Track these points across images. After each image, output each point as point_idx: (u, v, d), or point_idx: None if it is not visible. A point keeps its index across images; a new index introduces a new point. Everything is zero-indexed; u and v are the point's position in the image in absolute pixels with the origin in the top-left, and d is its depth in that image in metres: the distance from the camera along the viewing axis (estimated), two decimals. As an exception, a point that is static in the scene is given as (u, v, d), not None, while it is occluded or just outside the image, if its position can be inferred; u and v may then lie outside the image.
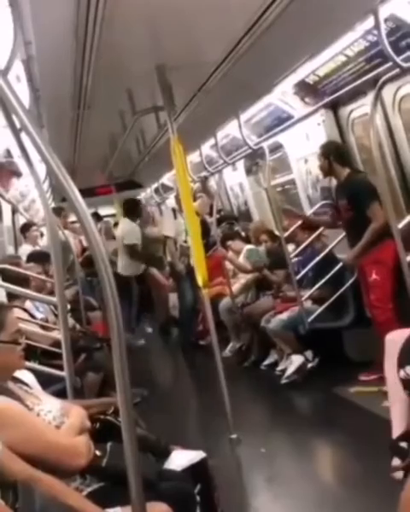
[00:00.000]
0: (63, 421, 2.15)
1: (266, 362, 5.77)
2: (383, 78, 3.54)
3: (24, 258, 5.94)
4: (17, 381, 2.34)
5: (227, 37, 3.51)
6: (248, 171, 7.94)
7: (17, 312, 3.70)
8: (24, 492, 1.70)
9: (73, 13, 2.79)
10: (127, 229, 8.01)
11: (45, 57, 3.31)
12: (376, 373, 4.29)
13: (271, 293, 5.94)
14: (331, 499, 3.21)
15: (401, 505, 2.09)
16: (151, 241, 8.06)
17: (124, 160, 7.55)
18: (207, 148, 7.27)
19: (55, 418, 2.16)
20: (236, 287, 6.38)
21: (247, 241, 6.73)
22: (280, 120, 5.65)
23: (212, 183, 8.08)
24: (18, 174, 5.94)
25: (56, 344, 3.43)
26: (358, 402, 4.37)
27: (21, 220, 8.19)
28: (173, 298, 8.03)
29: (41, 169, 2.99)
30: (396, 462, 2.57)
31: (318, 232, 5.44)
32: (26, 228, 7.46)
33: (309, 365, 5.19)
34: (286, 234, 5.54)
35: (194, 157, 7.54)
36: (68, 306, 4.25)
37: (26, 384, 2.41)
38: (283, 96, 5.20)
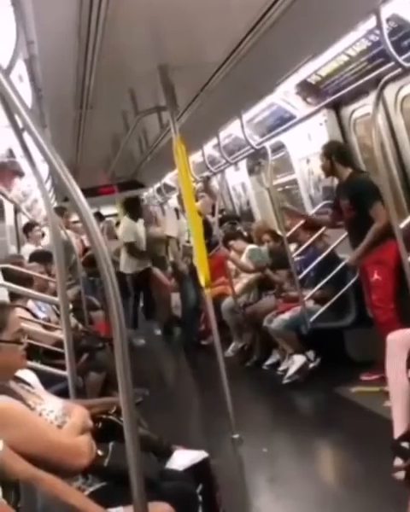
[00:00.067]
0: (65, 421, 2.15)
1: (268, 362, 5.77)
2: (386, 77, 3.54)
3: (26, 257, 5.94)
4: (19, 380, 2.35)
5: (229, 37, 3.51)
6: (251, 171, 7.94)
7: (19, 312, 3.71)
8: (26, 492, 1.70)
9: (75, 13, 2.79)
10: (125, 227, 8.06)
11: (48, 57, 3.31)
12: (377, 373, 4.29)
13: (273, 292, 5.94)
14: (333, 499, 3.21)
15: None
16: (153, 241, 8.07)
17: (126, 159, 7.54)
18: (209, 148, 7.28)
19: (57, 418, 2.16)
20: (238, 287, 6.38)
21: (249, 240, 6.73)
22: (282, 120, 5.65)
23: (214, 182, 8.08)
24: (20, 174, 5.96)
25: (59, 343, 3.44)
26: (359, 402, 4.37)
27: (24, 220, 8.21)
28: (176, 298, 8.03)
29: (43, 169, 3.00)
30: (398, 462, 2.57)
31: (320, 232, 5.43)
32: (28, 227, 7.47)
33: (311, 365, 5.19)
34: (288, 234, 5.54)
35: (196, 157, 7.55)
36: (70, 306, 4.26)
37: (29, 384, 2.41)
38: (285, 95, 5.20)
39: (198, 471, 2.49)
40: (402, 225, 3.64)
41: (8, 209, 7.92)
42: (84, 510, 1.84)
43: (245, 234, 7.02)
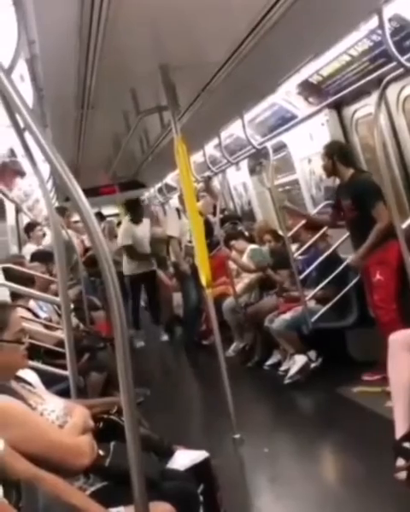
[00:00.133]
0: (66, 421, 2.15)
1: (270, 362, 5.77)
2: (388, 77, 3.54)
3: (28, 257, 5.95)
4: (20, 380, 2.35)
5: (231, 37, 3.50)
6: (252, 171, 7.94)
7: (21, 312, 3.71)
8: (27, 491, 1.70)
9: (76, 12, 2.79)
10: (123, 230, 8.06)
11: (49, 57, 3.31)
12: (379, 373, 4.29)
13: (275, 291, 5.94)
14: (334, 500, 3.21)
15: None
16: (154, 241, 8.06)
17: (127, 159, 7.55)
18: (210, 148, 7.27)
19: (58, 417, 2.16)
20: (239, 286, 6.38)
21: (250, 240, 6.73)
22: (284, 120, 5.65)
23: (215, 182, 8.08)
24: (22, 174, 5.96)
25: (60, 343, 3.44)
26: (361, 402, 4.37)
27: (25, 220, 8.20)
28: (177, 297, 8.03)
29: (45, 168, 3.00)
30: (400, 462, 2.57)
31: (321, 232, 5.43)
32: (30, 227, 7.47)
33: (312, 365, 5.19)
34: (290, 233, 5.54)
35: (197, 157, 7.55)
36: (72, 306, 4.26)
37: (30, 383, 2.41)
38: (286, 95, 5.20)
39: (199, 471, 2.49)
40: (404, 225, 3.64)
41: (10, 209, 7.92)
42: (86, 510, 1.84)
43: (246, 234, 7.02)
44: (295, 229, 5.66)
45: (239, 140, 6.48)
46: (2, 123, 3.52)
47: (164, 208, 11.17)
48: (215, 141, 6.67)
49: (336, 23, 3.57)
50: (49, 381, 2.92)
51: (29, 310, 4.34)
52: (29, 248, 6.85)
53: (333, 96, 4.82)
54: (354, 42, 4.01)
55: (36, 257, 5.75)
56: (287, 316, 5.30)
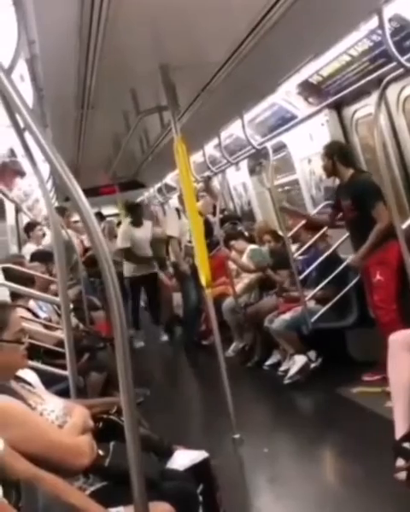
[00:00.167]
0: (66, 421, 2.15)
1: (269, 362, 5.77)
2: (388, 77, 3.54)
3: (28, 257, 5.94)
4: (20, 380, 2.35)
5: (231, 37, 3.50)
6: (252, 171, 7.94)
7: (20, 312, 3.71)
8: (27, 491, 1.70)
9: (76, 12, 2.79)
10: (122, 232, 8.01)
11: (49, 57, 3.31)
12: (379, 373, 4.29)
13: (274, 291, 5.94)
14: (334, 500, 3.21)
15: None
16: (154, 242, 8.06)
17: (127, 159, 7.55)
18: (210, 148, 7.27)
19: (57, 417, 2.16)
20: (239, 287, 6.38)
21: (250, 240, 6.73)
22: (284, 120, 5.65)
23: (215, 182, 8.08)
24: (22, 173, 5.96)
25: (60, 343, 3.44)
26: (361, 402, 4.37)
27: (25, 219, 8.20)
28: (177, 297, 8.03)
29: (45, 168, 3.00)
30: (400, 462, 2.57)
31: (321, 232, 5.43)
32: (30, 227, 7.47)
33: (312, 365, 5.19)
34: (290, 234, 5.54)
35: (197, 157, 7.55)
36: (71, 306, 4.26)
37: (29, 383, 2.41)
38: (286, 95, 5.20)
39: (199, 471, 2.49)
40: (404, 226, 3.64)
41: (10, 209, 7.92)
42: (85, 510, 1.84)
43: (246, 234, 7.02)
44: (295, 229, 5.66)
45: (239, 140, 6.48)
46: (2, 123, 3.52)
47: (164, 208, 11.17)
48: (215, 141, 6.66)
49: (336, 23, 3.57)
50: (49, 380, 2.92)
51: (29, 310, 4.34)
52: (29, 248, 6.85)
53: (333, 96, 4.82)
54: (354, 42, 4.00)
55: (36, 257, 5.75)
56: (287, 316, 5.30)
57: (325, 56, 4.26)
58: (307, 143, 5.65)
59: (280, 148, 6.21)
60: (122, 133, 5.67)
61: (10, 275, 4.11)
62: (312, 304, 5.25)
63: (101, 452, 2.16)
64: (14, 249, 7.66)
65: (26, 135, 2.22)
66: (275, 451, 3.97)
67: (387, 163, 3.85)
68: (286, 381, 5.14)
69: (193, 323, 7.34)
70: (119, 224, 9.67)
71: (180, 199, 6.95)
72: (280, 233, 6.06)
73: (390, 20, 3.48)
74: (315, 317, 5.09)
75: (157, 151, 6.78)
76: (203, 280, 4.14)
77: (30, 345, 2.46)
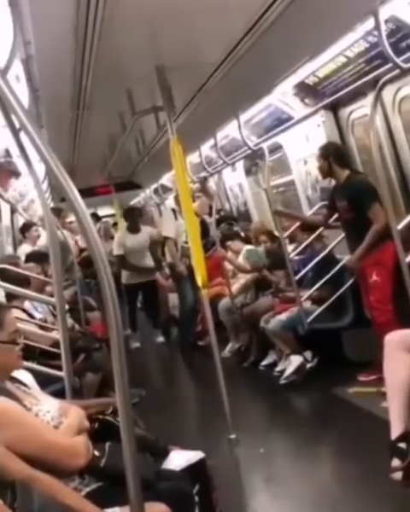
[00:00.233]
0: (62, 422, 2.15)
1: (265, 362, 5.77)
2: (384, 79, 3.54)
3: (23, 258, 5.93)
4: (15, 381, 2.34)
5: (227, 37, 3.51)
6: (248, 172, 7.95)
7: (16, 312, 3.70)
8: (22, 492, 1.69)
9: (72, 13, 2.79)
10: (117, 238, 7.84)
11: (45, 57, 3.31)
12: (375, 373, 4.30)
13: (270, 292, 5.94)
14: (330, 500, 3.21)
15: None
16: (151, 243, 8.03)
17: (123, 160, 7.54)
18: (206, 149, 7.28)
19: (53, 418, 2.15)
20: (235, 287, 6.39)
21: (246, 241, 6.74)
22: (280, 121, 5.66)
23: (211, 183, 8.08)
24: (17, 174, 5.94)
25: (55, 344, 3.43)
26: (357, 402, 4.37)
27: (20, 220, 8.19)
28: (173, 298, 8.02)
29: (40, 169, 3.00)
30: (396, 462, 2.58)
31: (317, 232, 5.44)
32: (26, 228, 7.46)
33: (308, 366, 5.19)
34: (286, 234, 5.54)
35: (193, 158, 7.54)
36: (67, 307, 4.25)
37: (25, 384, 2.41)
38: (283, 96, 5.20)
39: (195, 471, 2.49)
40: (400, 226, 3.64)
41: (5, 209, 7.90)
42: (81, 511, 1.84)
43: (242, 234, 7.03)
44: (291, 229, 5.67)
45: (235, 141, 6.48)
46: (-3, 123, 3.51)
47: (160, 209, 11.16)
48: (211, 141, 6.66)
49: (332, 24, 3.57)
50: (45, 381, 2.92)
51: (24, 310, 4.33)
52: (24, 249, 6.84)
53: (329, 97, 4.83)
54: (351, 43, 4.01)
55: (31, 257, 5.74)
56: (283, 316, 5.30)
57: (321, 57, 4.26)
58: (303, 144, 5.66)
59: (276, 148, 6.21)
60: (118, 134, 5.67)
61: (5, 275, 4.10)
62: (308, 304, 5.25)
63: (96, 453, 2.16)
64: (9, 250, 7.64)
65: (22, 135, 2.21)
66: (271, 451, 3.98)
67: (383, 164, 3.85)
68: (282, 382, 5.14)
69: (189, 324, 7.33)
70: (114, 224, 9.66)
71: (176, 199, 6.95)
72: (276, 233, 6.06)
73: (386, 21, 3.49)
74: (311, 317, 5.09)
75: (153, 152, 6.78)
76: (199, 280, 4.14)
77: (25, 345, 2.46)
